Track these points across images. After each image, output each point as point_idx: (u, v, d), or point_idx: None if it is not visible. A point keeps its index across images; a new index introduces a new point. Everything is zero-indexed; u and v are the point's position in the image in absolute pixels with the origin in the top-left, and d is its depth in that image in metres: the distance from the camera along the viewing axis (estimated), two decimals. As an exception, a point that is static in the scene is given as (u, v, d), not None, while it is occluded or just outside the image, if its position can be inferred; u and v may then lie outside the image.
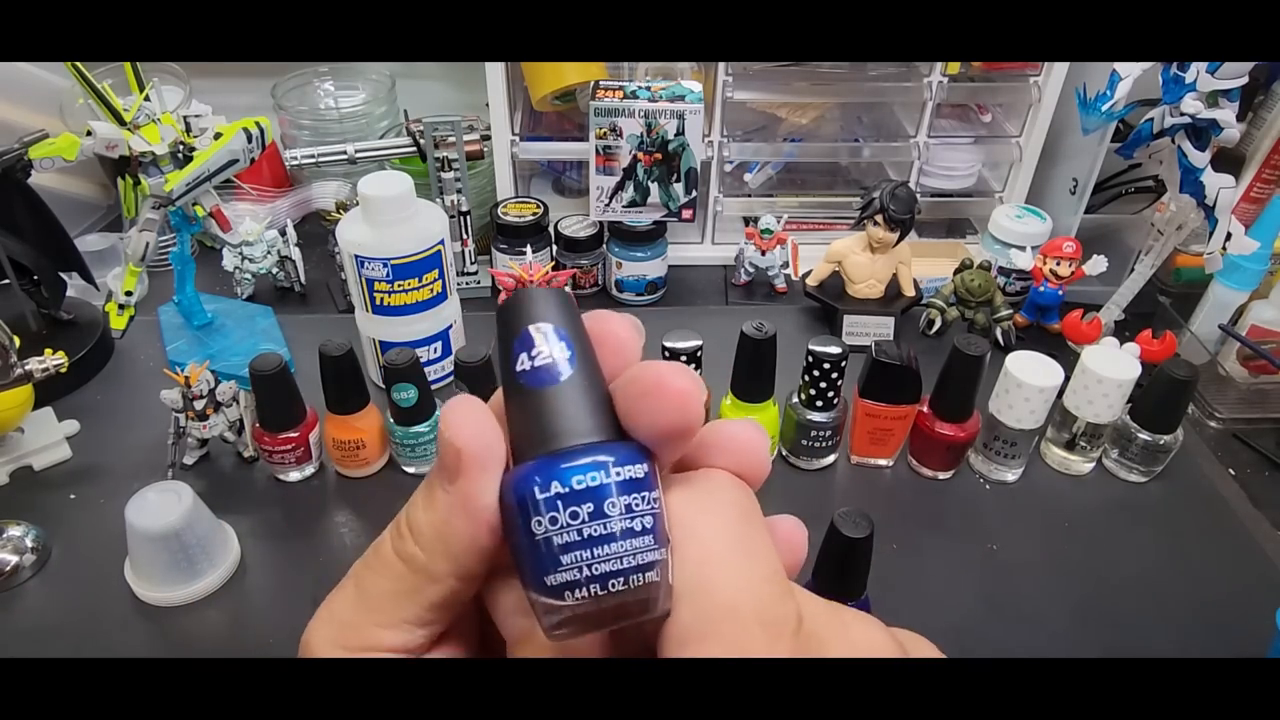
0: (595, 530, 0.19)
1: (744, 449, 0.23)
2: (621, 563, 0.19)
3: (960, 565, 0.65)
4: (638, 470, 0.20)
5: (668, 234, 0.94)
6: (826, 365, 0.66)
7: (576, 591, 0.19)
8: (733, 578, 0.20)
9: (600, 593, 0.19)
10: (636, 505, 0.19)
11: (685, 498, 0.21)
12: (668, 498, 0.21)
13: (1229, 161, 0.87)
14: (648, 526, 0.19)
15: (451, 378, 0.77)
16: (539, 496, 0.19)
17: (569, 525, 0.19)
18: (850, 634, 0.22)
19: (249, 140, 0.76)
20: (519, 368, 0.21)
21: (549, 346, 0.21)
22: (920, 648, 0.24)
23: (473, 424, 0.20)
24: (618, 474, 0.19)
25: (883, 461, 0.73)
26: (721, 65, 0.91)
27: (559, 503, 0.19)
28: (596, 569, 0.19)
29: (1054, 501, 0.71)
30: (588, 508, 0.19)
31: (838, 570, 0.52)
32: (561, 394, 0.20)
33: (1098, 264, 0.81)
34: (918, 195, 0.83)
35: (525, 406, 0.20)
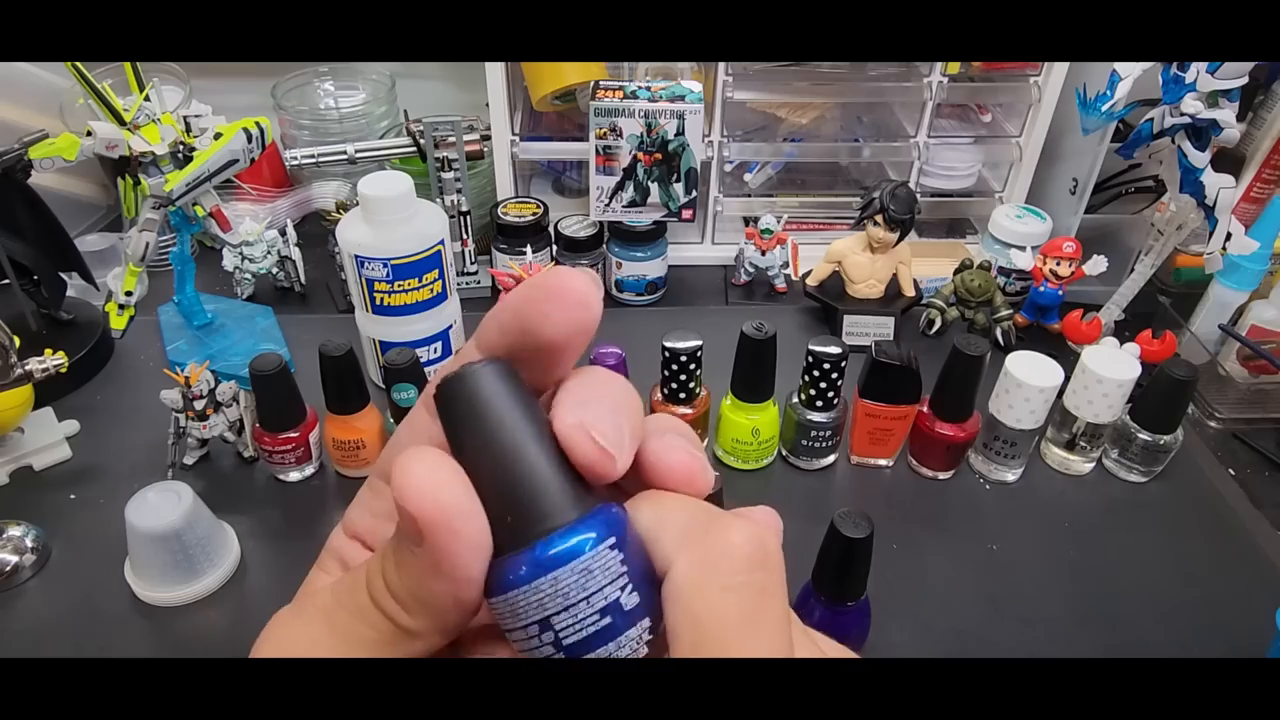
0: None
1: (682, 480, 0.21)
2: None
3: (960, 565, 0.65)
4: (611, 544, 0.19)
5: (668, 234, 0.94)
6: (826, 365, 0.66)
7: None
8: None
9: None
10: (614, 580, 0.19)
11: (690, 577, 0.19)
12: (675, 566, 0.19)
13: (1229, 161, 0.87)
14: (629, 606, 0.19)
15: (451, 378, 0.77)
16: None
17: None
18: None
19: (249, 140, 0.76)
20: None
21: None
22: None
23: (431, 486, 0.18)
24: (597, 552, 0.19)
25: (883, 461, 0.73)
26: (721, 65, 0.91)
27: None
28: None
29: (1054, 501, 0.71)
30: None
31: (838, 570, 0.52)
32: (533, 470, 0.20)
33: (1098, 264, 0.81)
34: (918, 195, 0.83)
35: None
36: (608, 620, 0.19)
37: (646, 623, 0.19)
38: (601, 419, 0.20)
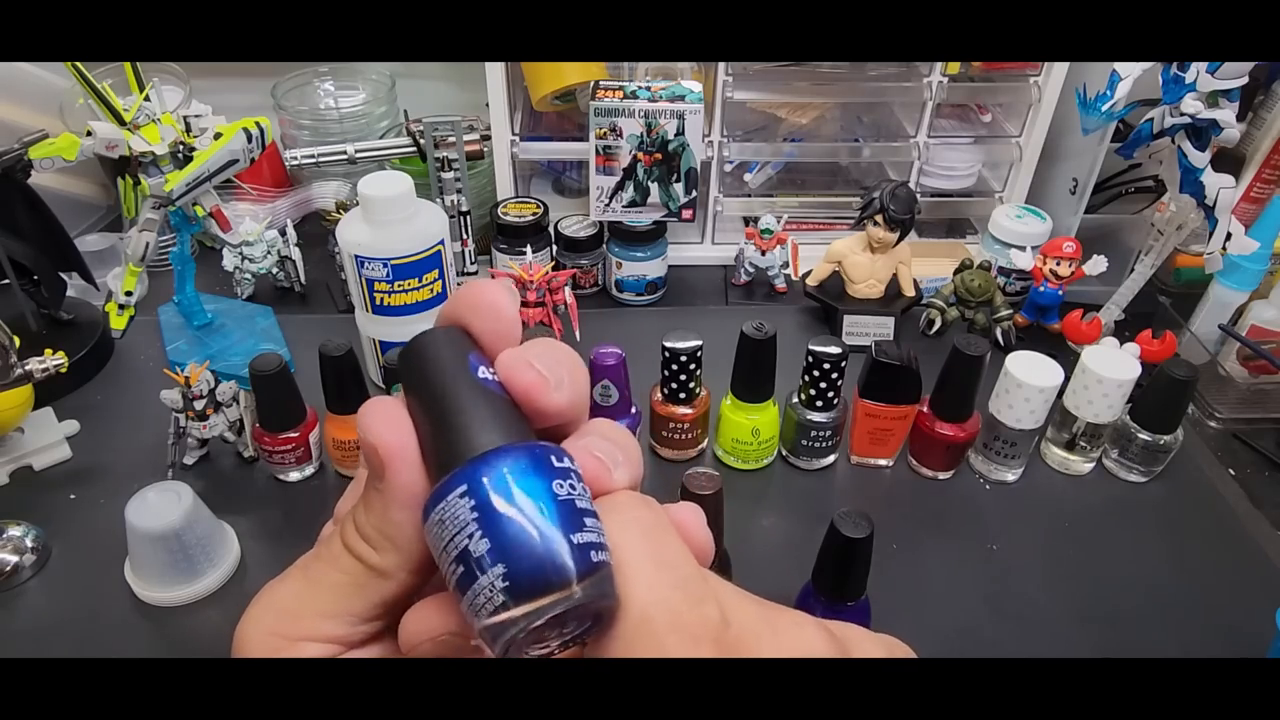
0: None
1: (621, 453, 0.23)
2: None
3: (960, 565, 0.65)
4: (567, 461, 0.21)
5: (668, 234, 0.94)
6: (826, 365, 0.66)
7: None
8: (642, 591, 0.20)
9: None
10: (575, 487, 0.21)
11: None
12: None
13: (1229, 161, 0.87)
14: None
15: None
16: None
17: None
18: (780, 634, 0.22)
19: (249, 140, 0.76)
20: (481, 375, 0.22)
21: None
22: (867, 646, 0.24)
23: (385, 421, 0.21)
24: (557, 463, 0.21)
25: (883, 461, 0.73)
26: (721, 65, 0.91)
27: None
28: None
29: (1054, 501, 0.71)
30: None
31: (838, 570, 0.52)
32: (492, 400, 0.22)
33: (1098, 264, 0.81)
34: (918, 195, 0.84)
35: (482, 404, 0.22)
36: (463, 569, 0.20)
37: (500, 569, 0.19)
38: (542, 356, 0.23)
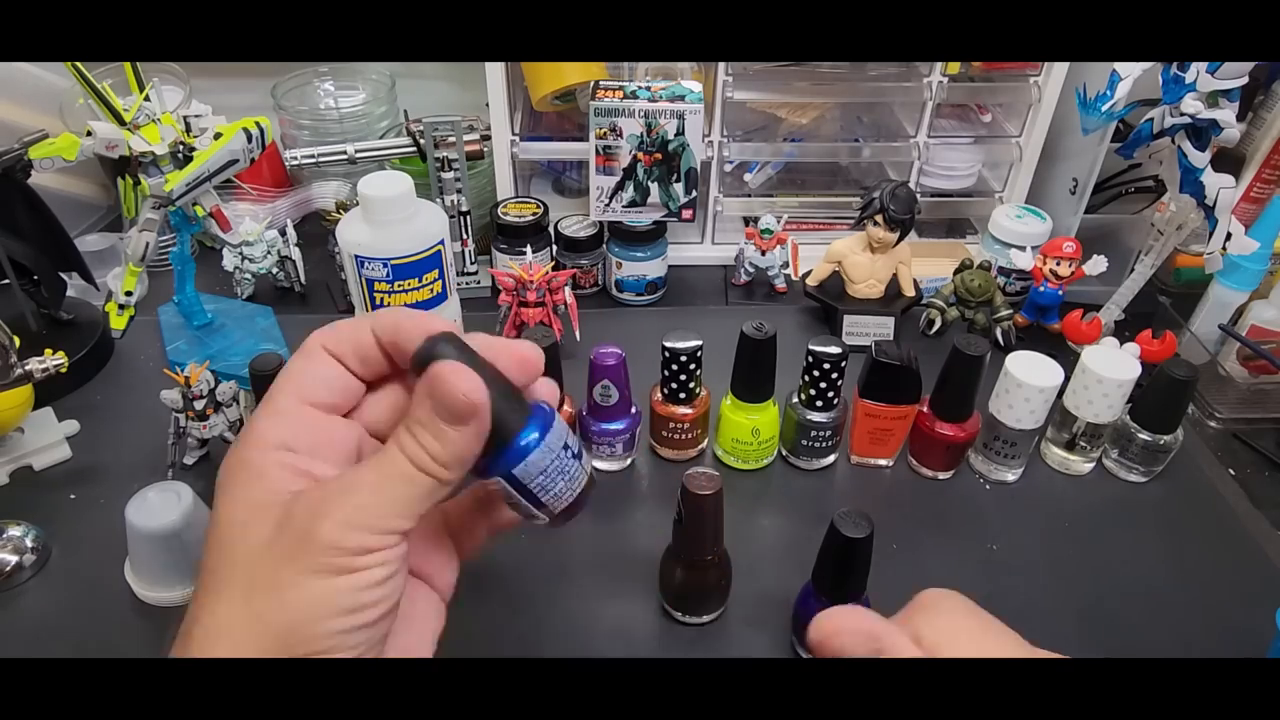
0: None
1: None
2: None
3: (960, 565, 0.65)
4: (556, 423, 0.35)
5: (668, 234, 0.94)
6: (826, 365, 0.66)
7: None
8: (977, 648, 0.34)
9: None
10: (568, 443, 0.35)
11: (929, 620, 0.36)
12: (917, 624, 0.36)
13: (1229, 161, 0.87)
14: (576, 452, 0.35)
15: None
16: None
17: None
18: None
19: (249, 140, 0.76)
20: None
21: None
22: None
23: (473, 382, 0.30)
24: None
25: (883, 462, 0.73)
26: (721, 65, 0.91)
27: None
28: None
29: (1054, 502, 0.71)
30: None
31: (837, 570, 0.52)
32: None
33: (1098, 264, 0.81)
34: (918, 195, 0.84)
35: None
36: (568, 463, 0.35)
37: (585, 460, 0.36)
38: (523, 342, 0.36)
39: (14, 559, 0.62)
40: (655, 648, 0.59)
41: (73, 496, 0.69)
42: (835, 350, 0.66)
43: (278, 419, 0.33)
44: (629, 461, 0.73)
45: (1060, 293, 0.83)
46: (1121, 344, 0.73)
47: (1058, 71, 0.90)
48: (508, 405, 0.32)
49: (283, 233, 0.92)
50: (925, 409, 0.70)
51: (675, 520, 0.56)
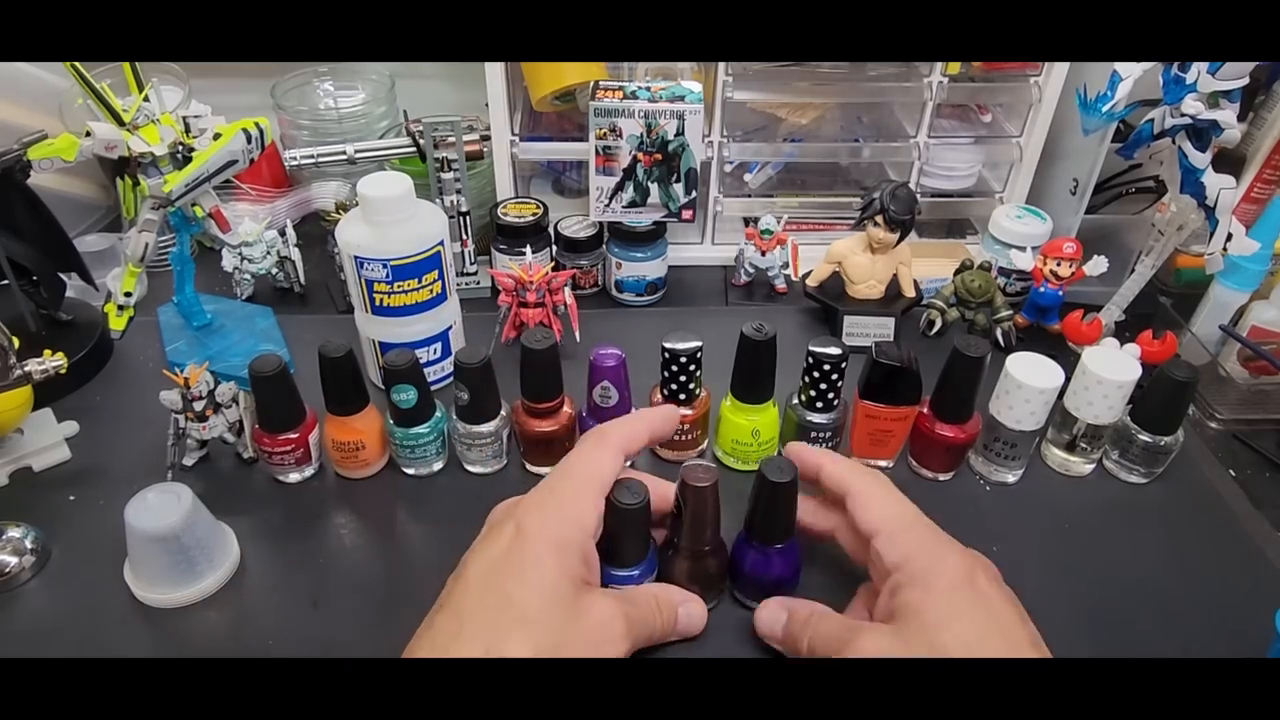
0: None
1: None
2: None
3: (960, 566, 0.65)
4: None
5: (668, 234, 0.94)
6: (826, 366, 0.66)
7: None
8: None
9: None
10: None
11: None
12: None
13: (1229, 162, 0.87)
14: None
15: (451, 379, 0.77)
16: None
17: None
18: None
19: (248, 141, 0.76)
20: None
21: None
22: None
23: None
24: None
25: (883, 463, 0.73)
26: (721, 65, 0.91)
27: None
28: None
29: (1054, 503, 0.71)
30: None
31: (767, 515, 0.56)
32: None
33: (1098, 264, 0.81)
34: (918, 195, 0.83)
35: None
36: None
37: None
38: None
39: (14, 560, 0.62)
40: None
41: (72, 498, 0.69)
42: (835, 351, 0.66)
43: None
44: (629, 463, 0.73)
45: (1060, 293, 0.83)
46: (1122, 345, 0.72)
47: (1058, 71, 0.89)
48: (635, 543, 0.47)
49: (282, 233, 0.92)
50: (925, 410, 0.70)
51: (673, 513, 0.56)
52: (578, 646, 0.39)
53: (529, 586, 0.41)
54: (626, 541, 0.54)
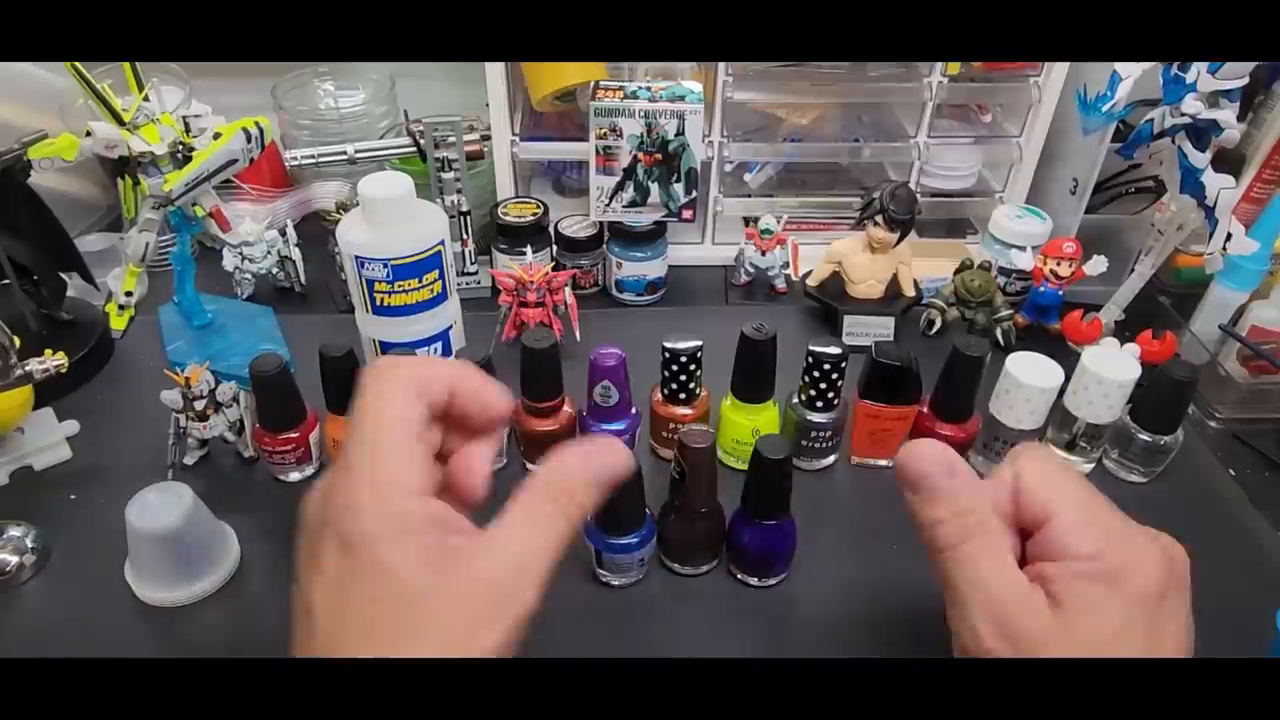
0: None
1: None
2: None
3: (960, 565, 0.65)
4: None
5: (668, 234, 0.94)
6: (827, 366, 0.66)
7: None
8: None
9: None
10: None
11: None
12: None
13: (1229, 162, 0.86)
14: None
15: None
16: None
17: None
18: None
19: (248, 140, 0.76)
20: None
21: None
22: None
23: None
24: None
25: (883, 462, 0.73)
26: (721, 65, 0.91)
27: None
28: None
29: (1054, 502, 0.71)
30: None
31: (762, 491, 0.58)
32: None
33: (1098, 264, 0.81)
34: (918, 195, 0.83)
35: None
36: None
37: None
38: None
39: (14, 559, 0.62)
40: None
41: (73, 497, 0.69)
42: (835, 351, 0.66)
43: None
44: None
45: (1060, 293, 0.83)
46: (1122, 344, 0.72)
47: (1058, 71, 0.89)
48: (635, 510, 0.49)
49: (283, 233, 0.92)
50: (925, 410, 0.70)
51: (672, 477, 0.58)
52: (484, 607, 0.33)
53: (392, 597, 0.34)
54: (623, 509, 0.56)
